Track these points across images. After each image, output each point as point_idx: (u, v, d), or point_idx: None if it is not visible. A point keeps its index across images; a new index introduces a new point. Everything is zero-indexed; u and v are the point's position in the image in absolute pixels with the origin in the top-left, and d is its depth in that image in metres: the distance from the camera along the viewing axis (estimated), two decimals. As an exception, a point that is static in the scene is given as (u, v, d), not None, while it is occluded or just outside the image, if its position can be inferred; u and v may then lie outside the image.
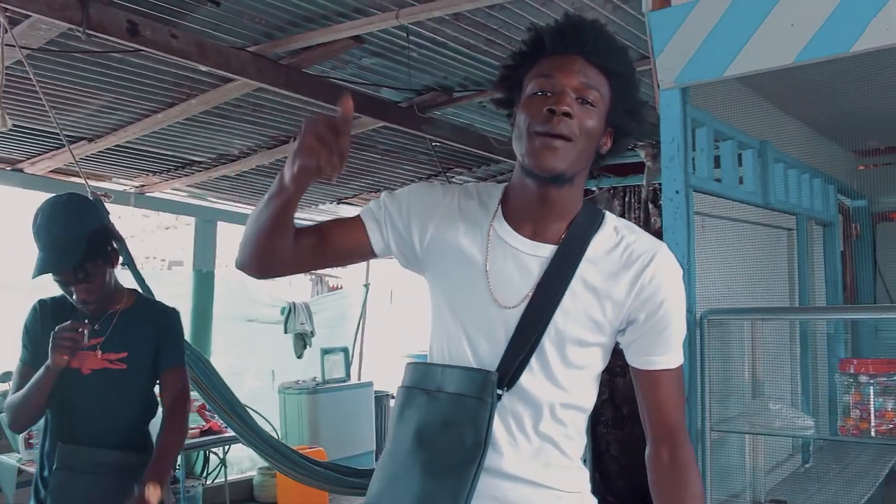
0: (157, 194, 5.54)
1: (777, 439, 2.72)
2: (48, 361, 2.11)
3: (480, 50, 3.40)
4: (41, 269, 2.15)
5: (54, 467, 2.20)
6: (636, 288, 1.37)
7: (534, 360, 1.37)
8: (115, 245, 2.32)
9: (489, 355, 1.38)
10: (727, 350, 2.51)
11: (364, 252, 1.47)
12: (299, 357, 6.69)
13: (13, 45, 2.69)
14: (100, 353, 2.22)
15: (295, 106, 4.04)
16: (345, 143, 1.22)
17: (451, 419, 1.37)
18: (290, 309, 6.57)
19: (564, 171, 1.33)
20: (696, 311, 2.27)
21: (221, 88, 3.70)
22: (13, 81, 3.37)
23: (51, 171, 4.77)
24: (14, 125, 4.04)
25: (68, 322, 2.12)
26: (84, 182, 3.02)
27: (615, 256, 1.39)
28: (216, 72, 3.36)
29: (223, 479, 5.26)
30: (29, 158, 4.64)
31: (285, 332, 6.58)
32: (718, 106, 2.61)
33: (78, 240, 2.15)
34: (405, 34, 3.15)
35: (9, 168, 4.76)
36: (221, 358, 6.39)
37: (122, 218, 7.57)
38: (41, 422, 2.31)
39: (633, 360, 1.44)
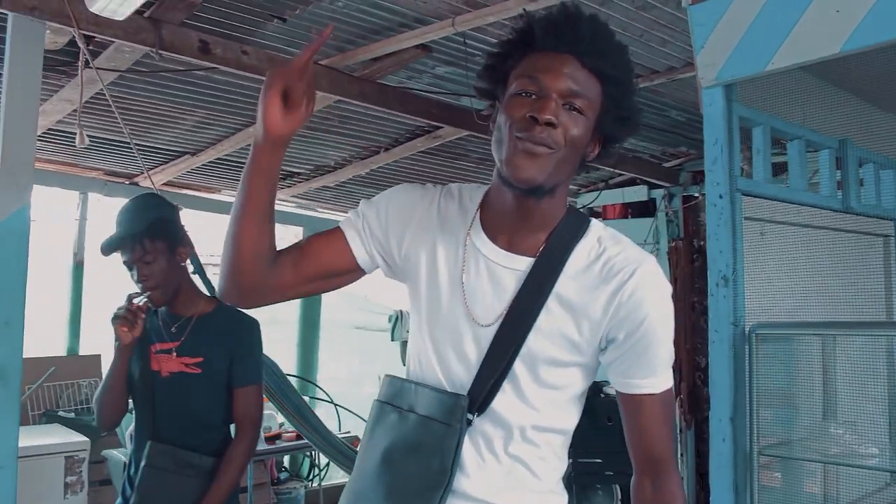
0: (264, 205, 5.76)
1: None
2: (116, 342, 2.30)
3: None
4: (108, 243, 2.37)
5: (143, 464, 2.31)
6: (614, 304, 1.26)
7: (506, 382, 1.30)
8: (183, 243, 2.45)
9: (460, 376, 1.32)
10: (794, 367, 2.31)
11: (348, 265, 1.40)
12: (405, 365, 6.75)
13: (92, 68, 2.87)
14: (175, 355, 2.34)
15: (381, 117, 4.09)
16: (310, 82, 1.21)
17: (419, 443, 1.31)
18: (396, 317, 6.64)
19: (543, 184, 1.24)
20: (745, 325, 2.10)
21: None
22: (119, 101, 3.61)
23: (163, 185, 5.06)
24: (126, 142, 4.36)
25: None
26: (152, 184, 3.18)
27: (594, 270, 1.29)
28: (296, 85, 3.45)
29: (327, 483, 5.41)
30: (142, 173, 4.94)
31: (392, 340, 6.66)
32: (787, 103, 2.43)
33: (141, 220, 2.34)
34: (464, 40, 3.12)
35: (127, 182, 5.10)
36: (331, 364, 6.59)
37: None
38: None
39: (615, 381, 1.34)
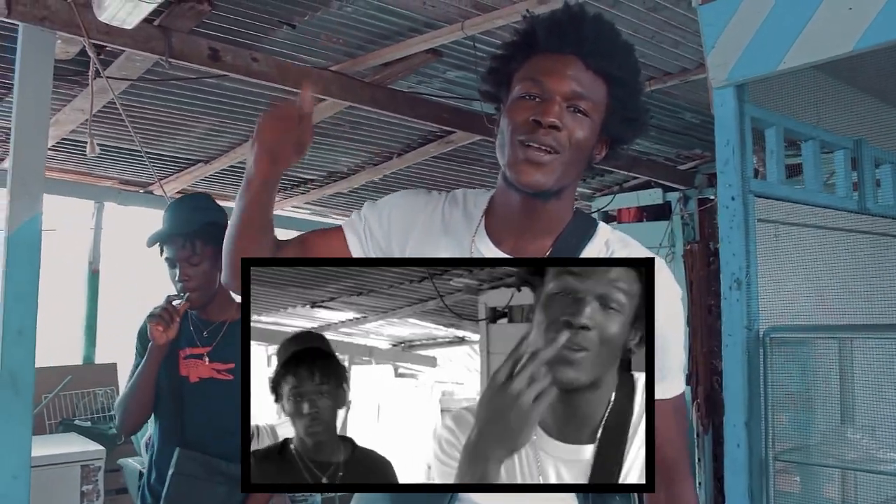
0: (278, 212, 5.79)
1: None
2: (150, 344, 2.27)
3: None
4: (157, 236, 2.36)
5: (171, 472, 2.25)
6: None
7: None
8: None
9: None
10: (810, 371, 2.27)
11: None
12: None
13: (102, 77, 2.88)
14: (207, 360, 2.32)
15: (392, 122, 4.09)
16: (305, 129, 1.26)
17: None
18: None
19: (550, 188, 1.23)
20: (759, 329, 2.07)
21: (315, 108, 3.80)
22: (130, 110, 3.62)
23: (176, 192, 5.08)
24: (145, 151, 4.37)
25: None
26: (164, 193, 3.18)
27: None
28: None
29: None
30: (156, 181, 4.96)
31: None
32: (801, 103, 2.40)
33: (196, 220, 2.34)
34: (473, 44, 3.10)
35: (142, 191, 5.12)
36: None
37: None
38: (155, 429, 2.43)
39: None
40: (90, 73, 2.86)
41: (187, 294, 2.33)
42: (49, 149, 4.15)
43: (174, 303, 2.31)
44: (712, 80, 2.05)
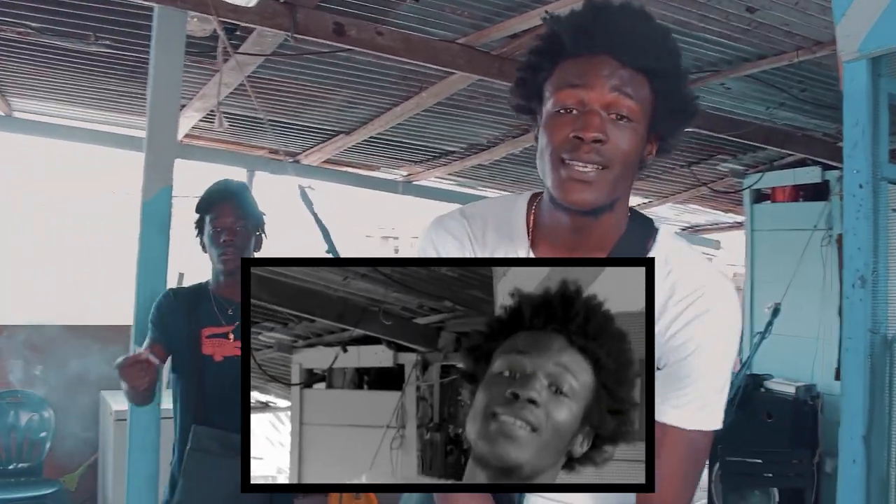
0: (422, 183, 5.85)
1: None
2: (125, 387, 2.09)
3: (696, 27, 3.08)
4: (206, 203, 2.42)
5: (188, 448, 2.28)
6: (669, 331, 1.14)
7: None
8: (260, 234, 2.48)
9: None
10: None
11: None
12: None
13: (229, 54, 2.99)
14: (232, 337, 2.33)
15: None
16: None
17: None
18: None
19: (602, 204, 1.12)
20: (887, 333, 1.85)
21: (446, 81, 3.77)
22: (267, 83, 3.76)
23: (322, 162, 5.25)
24: (288, 122, 4.56)
25: (131, 355, 2.10)
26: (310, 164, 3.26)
27: (659, 294, 1.12)
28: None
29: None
30: (304, 151, 5.15)
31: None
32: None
33: (236, 186, 2.46)
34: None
35: (290, 160, 5.32)
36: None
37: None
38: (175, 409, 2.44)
39: None
40: (218, 51, 2.98)
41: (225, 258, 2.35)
42: (201, 120, 4.42)
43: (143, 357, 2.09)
44: (841, 52, 1.82)
